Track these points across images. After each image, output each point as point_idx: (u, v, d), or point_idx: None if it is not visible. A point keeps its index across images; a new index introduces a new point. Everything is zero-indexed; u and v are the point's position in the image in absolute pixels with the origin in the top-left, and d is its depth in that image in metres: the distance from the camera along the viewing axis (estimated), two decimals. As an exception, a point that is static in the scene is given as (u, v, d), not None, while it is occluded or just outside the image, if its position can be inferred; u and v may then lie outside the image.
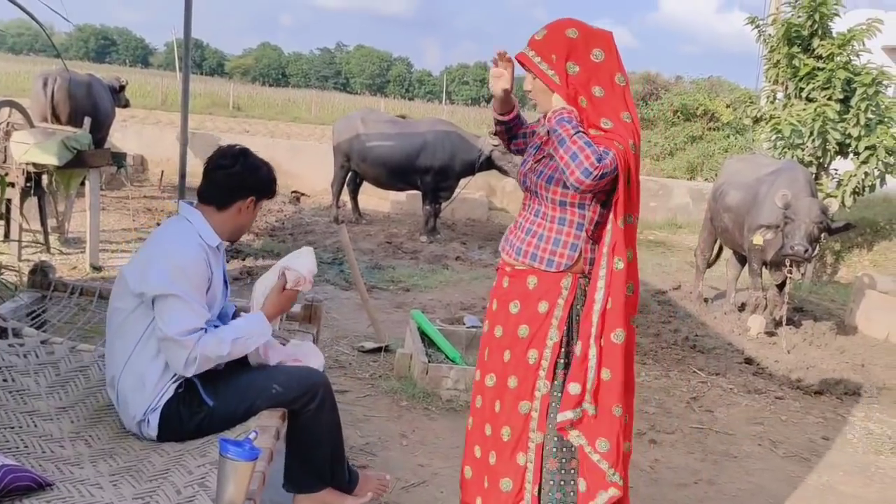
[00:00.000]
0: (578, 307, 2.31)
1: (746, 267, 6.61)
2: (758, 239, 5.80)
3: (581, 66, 2.22)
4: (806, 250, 5.43)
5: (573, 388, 2.21)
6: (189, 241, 2.33)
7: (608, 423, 2.22)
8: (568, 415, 2.22)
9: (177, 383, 2.31)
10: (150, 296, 2.24)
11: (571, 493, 2.30)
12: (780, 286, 6.15)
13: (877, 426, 4.59)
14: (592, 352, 2.21)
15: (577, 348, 2.25)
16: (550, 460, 2.30)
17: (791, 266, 5.80)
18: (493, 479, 2.35)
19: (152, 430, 2.29)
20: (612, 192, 2.22)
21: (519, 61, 2.31)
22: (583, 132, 2.17)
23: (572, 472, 2.30)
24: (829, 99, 8.20)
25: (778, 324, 6.15)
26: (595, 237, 2.30)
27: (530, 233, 2.33)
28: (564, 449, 2.30)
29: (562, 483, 2.31)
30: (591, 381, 2.20)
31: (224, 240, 2.46)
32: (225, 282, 2.58)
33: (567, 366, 2.30)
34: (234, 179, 2.42)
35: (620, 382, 2.23)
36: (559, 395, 2.29)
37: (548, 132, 2.28)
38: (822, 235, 5.70)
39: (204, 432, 2.29)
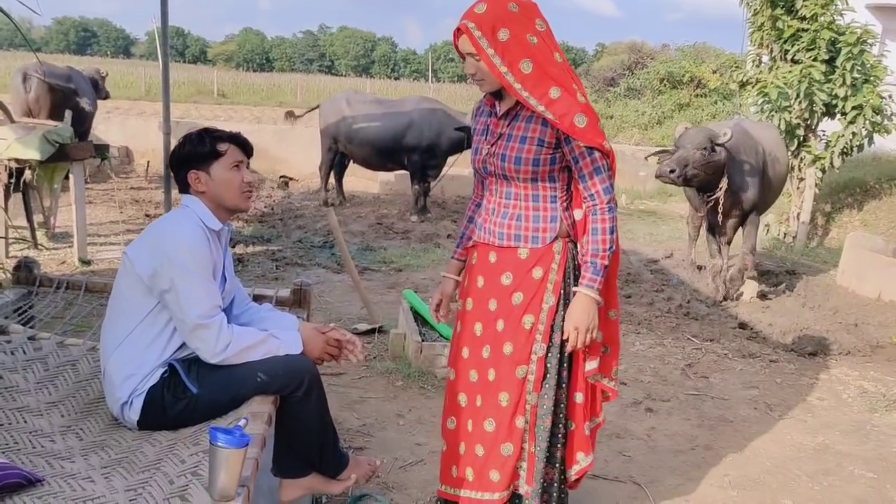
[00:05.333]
0: (570, 269, 2.36)
1: (741, 231, 6.59)
2: (652, 159, 6.09)
3: (538, 37, 2.19)
4: (672, 171, 5.50)
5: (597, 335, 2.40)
6: (189, 222, 2.33)
7: (618, 354, 2.53)
8: (594, 364, 2.41)
9: (163, 368, 2.30)
10: (158, 281, 2.22)
11: (560, 436, 2.42)
12: (736, 242, 6.32)
13: (871, 385, 4.62)
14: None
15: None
16: (546, 419, 2.37)
17: (718, 211, 5.89)
18: (492, 447, 2.38)
19: (134, 413, 2.26)
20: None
21: (458, 34, 2.19)
22: (589, 258, 2.27)
23: (557, 424, 2.41)
24: (815, 60, 8.16)
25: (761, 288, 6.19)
26: (570, 202, 2.37)
27: (507, 216, 2.34)
28: (557, 404, 2.39)
29: (556, 434, 2.41)
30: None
31: (221, 220, 2.43)
32: (231, 267, 2.56)
33: (562, 327, 2.32)
34: (172, 163, 2.46)
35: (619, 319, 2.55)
36: (559, 355, 2.34)
37: (503, 114, 2.32)
38: (716, 162, 5.61)
39: (187, 420, 2.26)
